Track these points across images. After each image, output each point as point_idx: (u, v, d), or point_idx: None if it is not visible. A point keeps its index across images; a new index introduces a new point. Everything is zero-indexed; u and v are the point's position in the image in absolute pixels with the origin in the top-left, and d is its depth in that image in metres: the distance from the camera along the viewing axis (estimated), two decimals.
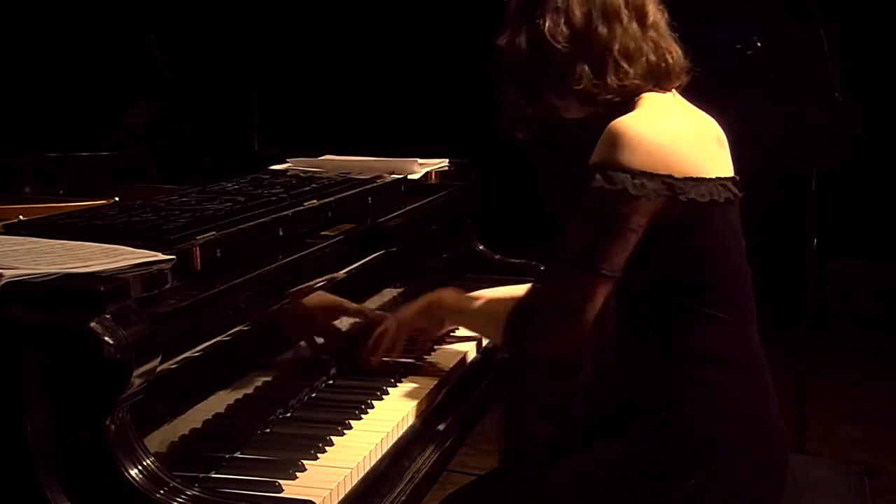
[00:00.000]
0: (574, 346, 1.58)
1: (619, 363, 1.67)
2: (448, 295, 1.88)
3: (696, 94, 1.72)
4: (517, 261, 2.57)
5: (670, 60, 1.65)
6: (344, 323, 1.86)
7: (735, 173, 1.68)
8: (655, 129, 1.56)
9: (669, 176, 1.54)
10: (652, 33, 1.65)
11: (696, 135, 1.63)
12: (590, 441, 1.62)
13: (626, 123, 1.55)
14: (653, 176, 1.53)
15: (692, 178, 1.56)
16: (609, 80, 1.61)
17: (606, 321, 1.62)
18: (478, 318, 1.82)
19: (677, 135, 1.58)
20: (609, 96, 1.61)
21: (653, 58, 1.63)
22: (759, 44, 2.94)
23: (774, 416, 1.66)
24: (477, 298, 1.83)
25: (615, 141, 1.54)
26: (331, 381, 1.78)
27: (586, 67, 1.61)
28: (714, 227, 1.60)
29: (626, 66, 1.61)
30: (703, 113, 1.72)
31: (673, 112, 1.64)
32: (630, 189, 1.52)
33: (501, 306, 1.71)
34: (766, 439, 1.64)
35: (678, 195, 1.54)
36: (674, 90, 1.68)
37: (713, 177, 1.60)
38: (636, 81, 1.61)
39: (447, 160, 2.51)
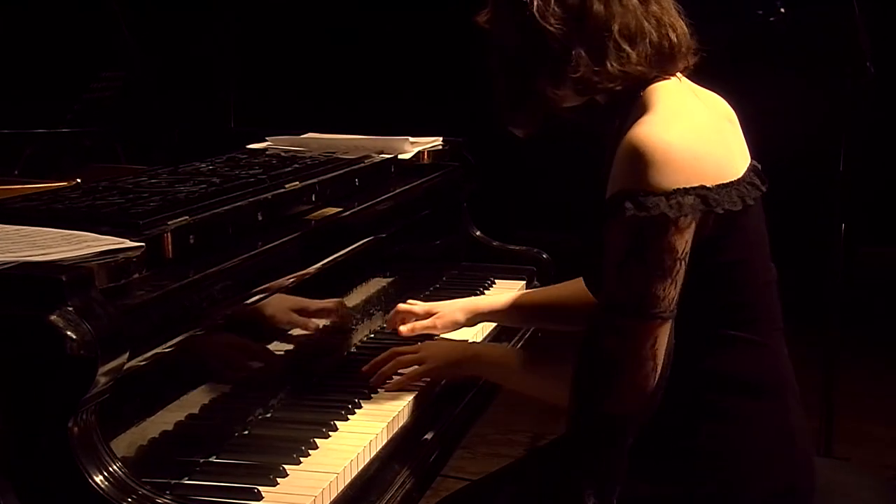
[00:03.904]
0: (655, 396, 1.50)
1: None
2: (486, 349, 1.91)
3: (713, 67, 1.70)
4: (517, 248, 2.58)
5: (673, 39, 1.59)
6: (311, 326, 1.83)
7: (752, 155, 1.67)
8: (680, 135, 1.50)
9: (702, 187, 1.49)
10: (654, 7, 1.58)
11: (717, 129, 1.59)
12: None
13: (647, 135, 1.48)
14: (686, 191, 1.47)
15: (723, 185, 1.52)
16: (609, 66, 1.54)
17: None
18: (531, 380, 1.77)
19: (702, 136, 1.54)
20: (610, 84, 1.55)
21: (654, 37, 1.57)
22: (782, 10, 2.94)
23: (803, 442, 1.65)
24: (518, 353, 1.88)
25: (638, 159, 1.47)
26: (315, 380, 1.79)
27: (583, 52, 1.54)
28: (746, 234, 1.57)
29: (627, 48, 1.55)
30: (711, 93, 1.70)
31: (690, 106, 1.59)
32: (668, 212, 1.45)
33: (561, 367, 1.65)
34: (794, 469, 1.63)
35: (714, 207, 1.49)
36: (679, 74, 1.63)
37: (741, 175, 1.57)
38: (639, 67, 1.56)
39: (441, 139, 2.51)
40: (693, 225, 1.49)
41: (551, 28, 1.55)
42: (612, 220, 1.49)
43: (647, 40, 1.57)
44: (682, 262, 1.49)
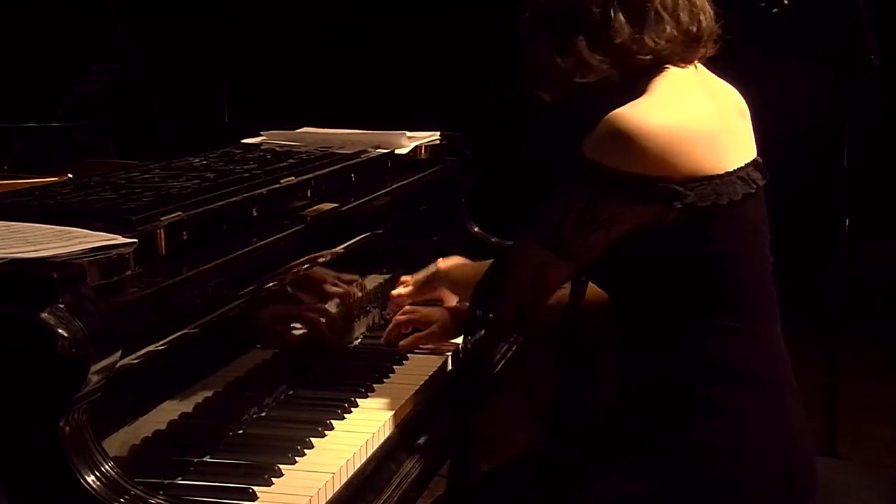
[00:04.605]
0: (521, 316, 1.77)
1: (627, 385, 1.66)
2: (449, 264, 2.01)
3: (715, 60, 1.71)
4: None
5: (703, 23, 1.62)
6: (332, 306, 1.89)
7: (757, 149, 1.68)
8: (659, 124, 1.53)
9: (664, 178, 1.53)
10: None
11: (714, 123, 1.61)
12: (598, 472, 1.61)
13: (626, 119, 1.54)
14: (645, 180, 1.52)
15: (698, 179, 1.55)
16: (647, 37, 1.58)
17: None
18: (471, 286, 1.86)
19: (687, 128, 1.56)
20: (647, 57, 1.59)
21: (686, 18, 1.61)
22: (785, 1, 2.94)
23: (801, 438, 1.66)
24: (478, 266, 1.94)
25: (609, 136, 1.53)
26: (311, 378, 1.79)
27: (623, 18, 1.58)
28: (733, 228, 1.59)
29: (667, 19, 1.58)
30: (725, 83, 1.71)
31: (689, 97, 1.61)
32: (614, 192, 1.53)
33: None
34: (792, 465, 1.63)
35: (672, 201, 1.53)
36: (697, 62, 1.66)
37: (732, 169, 1.59)
38: (669, 45, 1.59)
39: (438, 133, 2.51)
40: (642, 211, 1.54)
41: None
42: (571, 170, 1.58)
43: (679, 19, 1.60)
44: (613, 231, 1.56)
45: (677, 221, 1.54)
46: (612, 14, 1.58)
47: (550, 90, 1.70)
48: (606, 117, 1.55)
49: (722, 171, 1.57)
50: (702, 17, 1.63)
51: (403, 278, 2.07)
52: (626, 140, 1.52)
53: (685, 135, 1.55)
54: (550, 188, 1.64)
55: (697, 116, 1.59)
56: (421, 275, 2.02)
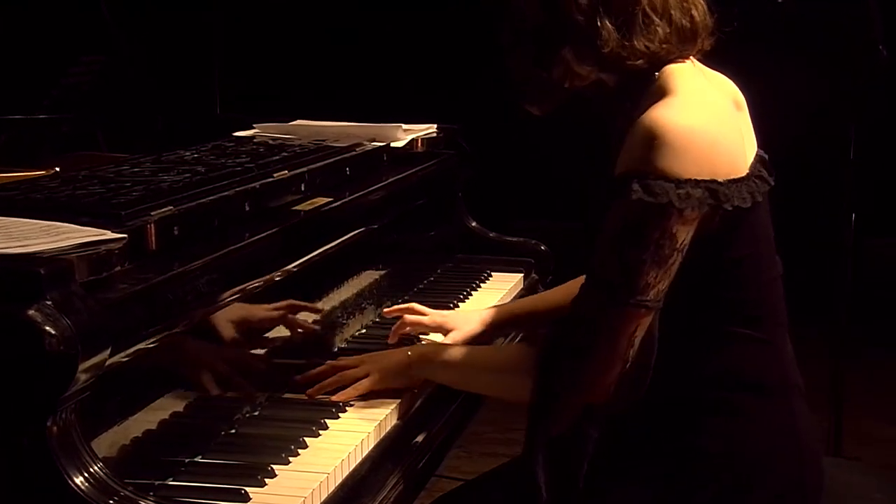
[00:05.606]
0: (611, 389, 1.51)
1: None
2: (431, 349, 1.80)
3: (717, 51, 1.70)
4: (514, 239, 2.58)
5: (696, 18, 1.60)
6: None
7: (762, 144, 1.67)
8: (698, 124, 1.50)
9: (713, 181, 1.49)
10: None
11: (731, 119, 1.59)
12: (603, 481, 1.60)
13: (666, 119, 1.48)
14: (697, 183, 1.47)
15: (734, 181, 1.52)
16: (636, 41, 1.54)
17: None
18: (479, 372, 1.72)
19: (721, 126, 1.54)
20: (639, 62, 1.55)
21: (677, 15, 1.57)
22: None
23: (809, 441, 1.66)
24: (471, 349, 1.79)
25: (654, 142, 1.47)
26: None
27: (610, 25, 1.54)
28: (750, 231, 1.58)
29: (657, 20, 1.55)
30: (719, 74, 1.70)
31: (710, 93, 1.59)
32: (675, 202, 1.45)
33: (515, 352, 1.72)
34: (801, 469, 1.64)
35: (723, 203, 1.49)
36: (693, 58, 1.63)
37: (750, 166, 1.57)
38: (664, 45, 1.56)
39: (435, 126, 2.51)
40: (698, 218, 1.49)
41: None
42: (617, 199, 1.49)
43: (671, 17, 1.57)
44: (680, 254, 1.49)
45: (717, 227, 1.51)
46: (599, 22, 1.54)
47: (540, 103, 1.67)
48: (643, 121, 1.49)
49: (747, 169, 1.56)
50: (694, 12, 1.59)
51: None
52: (674, 141, 1.47)
53: (719, 135, 1.52)
54: (556, 185, 1.60)
55: (721, 114, 1.57)
56: (392, 363, 1.75)
